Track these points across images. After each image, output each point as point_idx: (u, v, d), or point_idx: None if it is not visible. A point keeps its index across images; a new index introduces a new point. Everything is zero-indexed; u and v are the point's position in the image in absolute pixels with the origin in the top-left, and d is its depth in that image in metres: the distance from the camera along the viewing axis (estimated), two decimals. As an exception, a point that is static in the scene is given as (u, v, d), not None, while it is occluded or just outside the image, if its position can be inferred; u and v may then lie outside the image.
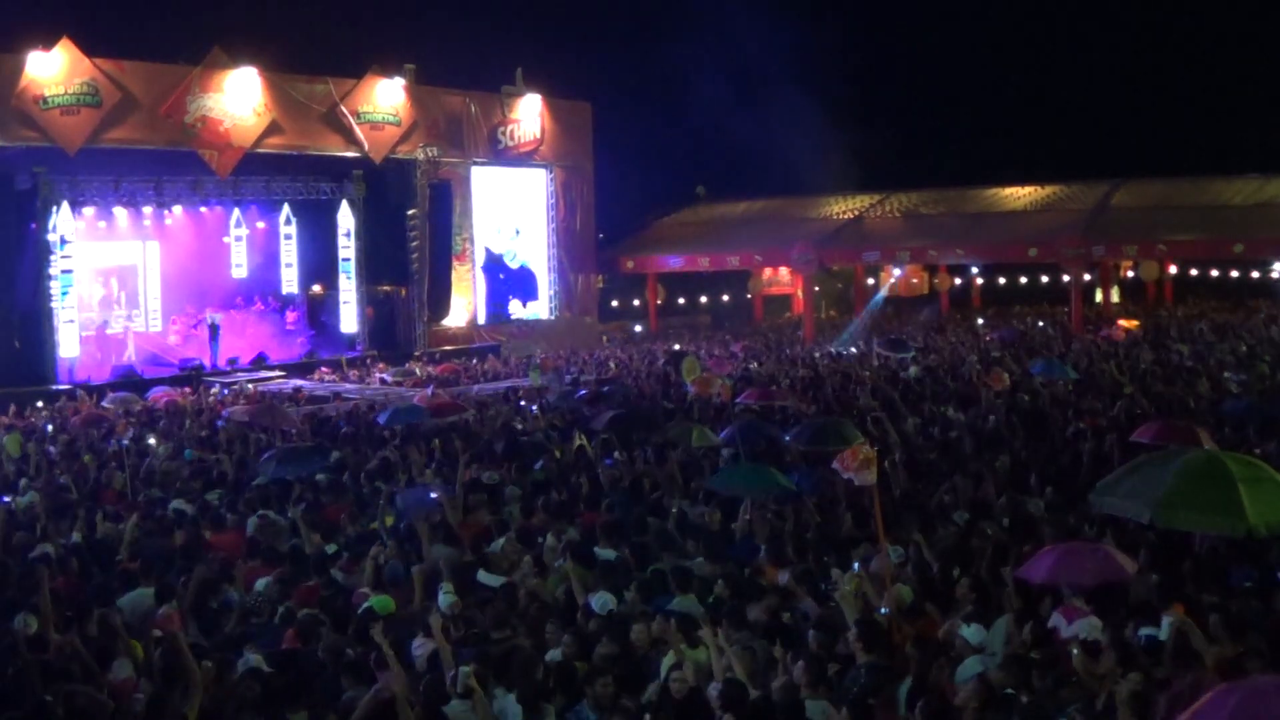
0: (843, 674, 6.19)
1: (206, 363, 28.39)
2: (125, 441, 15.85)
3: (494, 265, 36.24)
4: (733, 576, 8.41)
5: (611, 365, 27.78)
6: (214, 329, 28.98)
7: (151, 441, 16.56)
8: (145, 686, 7.02)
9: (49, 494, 12.74)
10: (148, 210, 29.20)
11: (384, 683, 6.45)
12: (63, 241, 26.39)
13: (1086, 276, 37.04)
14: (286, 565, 9.46)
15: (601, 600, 7.84)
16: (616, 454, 13.27)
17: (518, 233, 36.88)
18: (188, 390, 24.86)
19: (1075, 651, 6.39)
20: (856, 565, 8.40)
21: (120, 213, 28.73)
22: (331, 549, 10.07)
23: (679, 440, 13.68)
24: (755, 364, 25.51)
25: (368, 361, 30.22)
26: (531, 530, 10.19)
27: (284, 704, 6.63)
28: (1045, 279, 46.43)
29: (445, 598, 8.10)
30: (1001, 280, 48.90)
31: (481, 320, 35.66)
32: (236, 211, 31.34)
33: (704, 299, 47.73)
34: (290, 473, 12.43)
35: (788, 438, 13.49)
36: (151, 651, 7.55)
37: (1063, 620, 7.12)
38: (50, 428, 19.06)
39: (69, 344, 26.60)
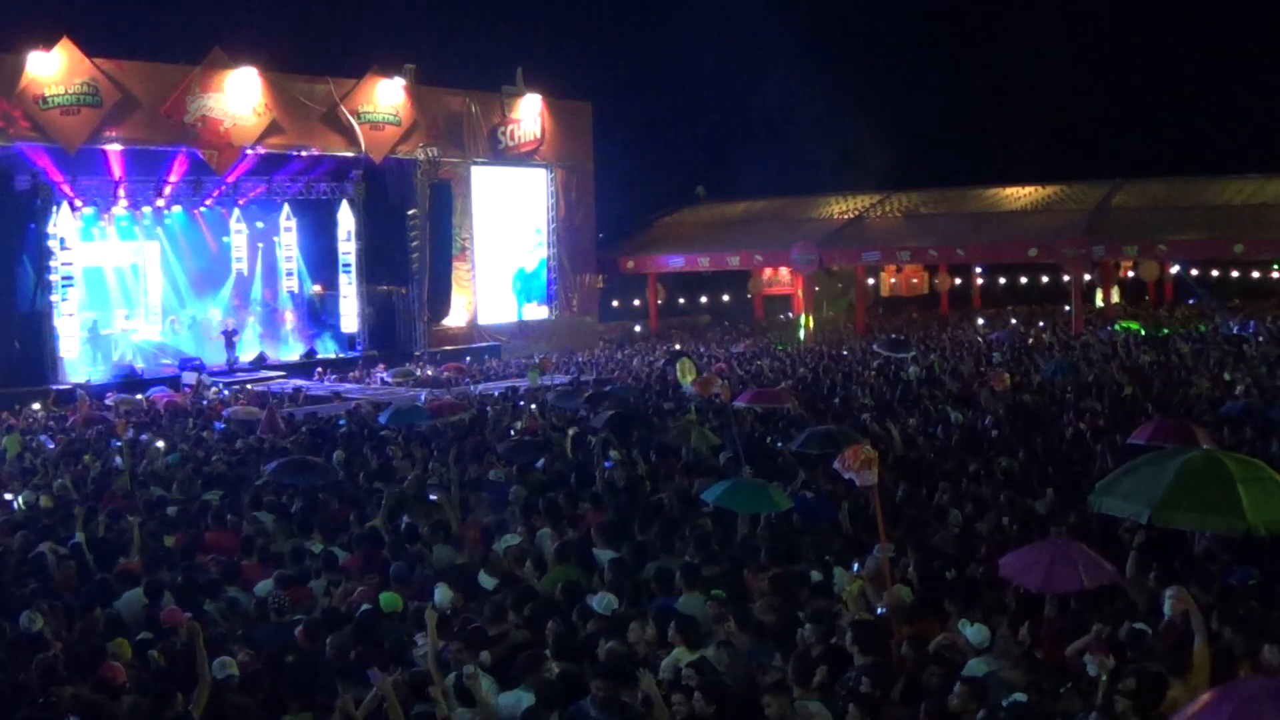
0: (837, 674, 6.17)
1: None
2: (118, 443, 15.84)
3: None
4: (732, 577, 8.39)
5: (611, 366, 27.74)
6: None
7: (153, 440, 16.55)
8: (138, 684, 7.00)
9: (49, 494, 12.73)
10: (147, 210, 29.22)
11: (377, 683, 6.40)
12: (63, 242, 26.43)
13: (1086, 277, 37.03)
14: (284, 566, 9.45)
15: (604, 601, 7.83)
16: (614, 454, 13.23)
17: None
18: (187, 390, 24.88)
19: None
20: (856, 565, 8.39)
21: (120, 213, 28.74)
22: (317, 548, 10.03)
23: (678, 441, 13.63)
24: (759, 362, 25.47)
25: (374, 361, 30.22)
26: (534, 530, 10.17)
27: (277, 706, 6.60)
28: (1045, 279, 46.50)
29: (441, 593, 8.10)
30: (1001, 280, 48.96)
31: (491, 321, 35.80)
32: (236, 211, 31.37)
33: (704, 299, 47.77)
34: (295, 481, 12.38)
35: (780, 444, 13.43)
36: (169, 647, 7.48)
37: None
38: (50, 428, 19.04)
39: (69, 344, 26.64)
